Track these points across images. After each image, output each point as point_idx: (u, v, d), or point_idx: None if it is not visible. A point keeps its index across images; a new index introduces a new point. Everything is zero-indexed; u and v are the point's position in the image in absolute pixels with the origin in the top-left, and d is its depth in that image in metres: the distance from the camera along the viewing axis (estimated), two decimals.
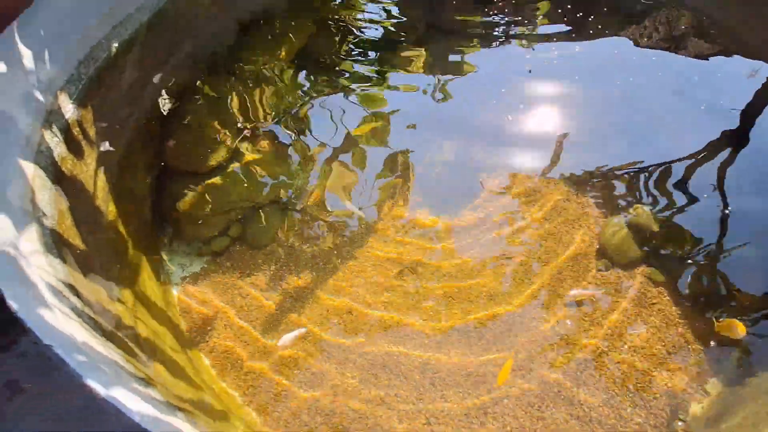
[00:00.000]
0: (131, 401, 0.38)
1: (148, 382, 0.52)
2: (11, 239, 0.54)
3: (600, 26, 1.40)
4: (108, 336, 0.57)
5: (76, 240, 0.72)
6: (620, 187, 1.11)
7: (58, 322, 0.47)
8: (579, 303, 0.97)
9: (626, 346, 0.92)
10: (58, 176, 0.77)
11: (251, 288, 1.02)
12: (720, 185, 1.07)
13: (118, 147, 0.95)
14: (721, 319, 0.91)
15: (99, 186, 0.86)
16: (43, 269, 0.56)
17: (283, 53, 1.24)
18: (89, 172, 0.84)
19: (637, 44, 1.36)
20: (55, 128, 0.81)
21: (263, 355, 0.96)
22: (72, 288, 0.60)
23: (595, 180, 1.14)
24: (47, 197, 0.69)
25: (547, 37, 1.41)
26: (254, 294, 1.02)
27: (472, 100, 1.31)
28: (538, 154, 1.21)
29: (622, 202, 1.08)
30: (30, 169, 0.69)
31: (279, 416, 0.90)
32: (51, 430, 0.94)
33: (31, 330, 0.38)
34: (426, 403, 0.90)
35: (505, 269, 1.04)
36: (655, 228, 0.98)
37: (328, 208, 1.08)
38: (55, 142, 0.79)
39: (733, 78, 1.27)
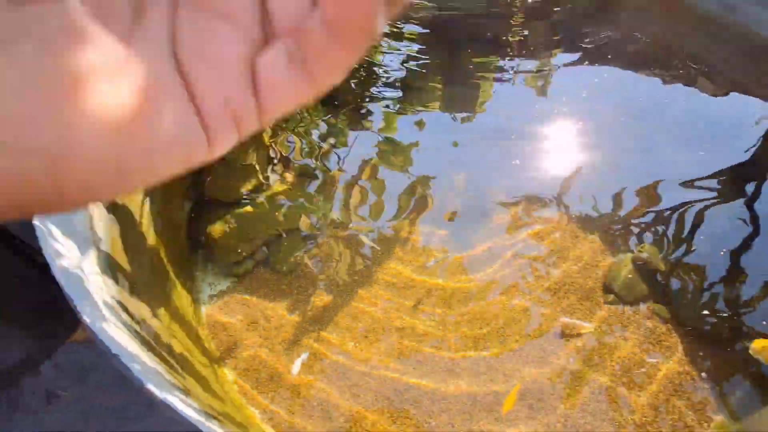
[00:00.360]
0: (180, 406, 0.46)
1: (187, 392, 0.59)
2: (78, 261, 0.64)
3: (611, 65, 1.47)
4: (150, 349, 0.65)
5: (124, 263, 0.82)
6: (628, 226, 1.16)
7: (117, 335, 0.55)
8: (577, 335, 1.00)
9: (632, 382, 0.95)
10: (112, 206, 0.88)
11: (273, 310, 1.10)
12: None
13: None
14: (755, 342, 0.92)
15: (144, 215, 0.96)
16: (100, 288, 0.65)
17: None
18: (137, 202, 0.95)
19: (647, 86, 1.42)
20: None
21: (282, 375, 1.02)
22: (122, 305, 0.69)
23: (604, 218, 1.19)
24: (103, 225, 0.79)
25: (559, 76, 1.49)
26: (276, 315, 1.09)
27: (486, 138, 1.39)
28: (549, 191, 1.27)
29: (630, 241, 1.12)
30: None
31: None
32: (87, 429, 1.02)
33: (101, 341, 0.46)
34: (435, 427, 0.95)
35: (516, 302, 1.09)
36: (662, 267, 1.02)
37: (350, 227, 1.16)
38: None
39: (746, 122, 1.31)
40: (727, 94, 1.31)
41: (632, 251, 1.08)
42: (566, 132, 1.38)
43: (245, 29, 0.12)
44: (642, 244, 1.06)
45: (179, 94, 0.12)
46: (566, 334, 1.01)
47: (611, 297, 1.04)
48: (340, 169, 1.29)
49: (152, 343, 0.67)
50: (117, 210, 0.87)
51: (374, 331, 1.07)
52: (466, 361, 1.02)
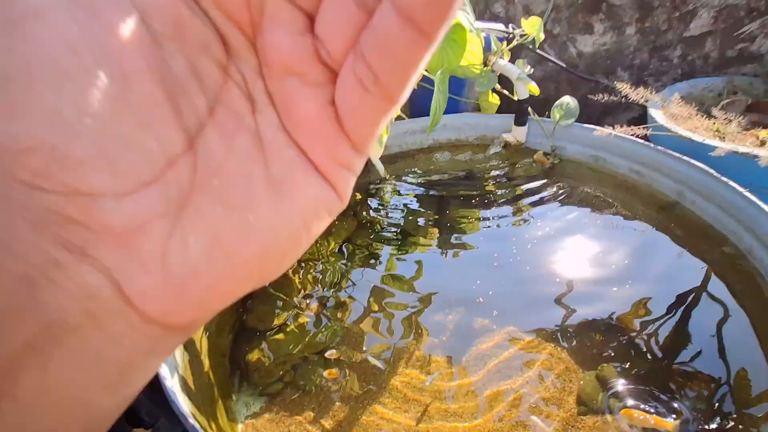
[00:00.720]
0: None
1: None
2: (168, 383, 0.92)
3: (572, 205, 1.84)
4: None
5: (191, 383, 1.09)
6: (593, 348, 1.38)
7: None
8: None
9: None
10: (185, 344, 1.19)
11: (298, 425, 1.30)
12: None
13: (214, 318, 1.37)
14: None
15: (203, 345, 1.25)
16: (181, 401, 0.92)
17: (333, 244, 1.73)
18: (198, 335, 1.25)
19: (625, 216, 1.76)
20: None
21: None
22: (194, 416, 0.95)
23: (576, 338, 1.42)
24: (180, 353, 1.08)
25: (533, 216, 1.85)
26: (300, 429, 1.29)
27: (472, 274, 1.69)
28: (531, 317, 1.52)
29: (598, 356, 1.33)
30: None
31: None
32: None
33: (193, 427, 0.72)
34: None
35: (501, 420, 1.27)
36: (615, 379, 1.23)
37: (362, 351, 1.41)
38: None
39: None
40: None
41: (594, 369, 1.29)
42: (545, 259, 1.69)
43: (312, 77, 0.13)
44: (602, 365, 1.28)
45: (305, 166, 0.13)
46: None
47: (583, 409, 1.23)
48: (350, 297, 1.59)
49: None
50: (187, 345, 1.16)
51: None
52: None
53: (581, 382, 1.32)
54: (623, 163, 1.68)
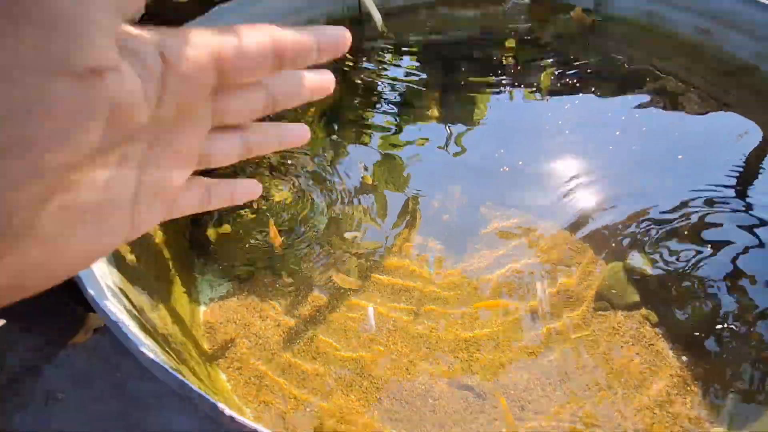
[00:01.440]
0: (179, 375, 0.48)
1: (181, 372, 0.62)
2: None
3: (600, 85, 1.53)
4: (150, 336, 0.68)
5: (129, 256, 0.85)
6: (620, 236, 1.18)
7: (119, 312, 0.58)
8: (567, 339, 1.01)
9: (621, 387, 0.95)
10: None
11: (271, 311, 1.12)
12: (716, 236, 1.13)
13: None
14: None
15: None
16: (104, 273, 0.69)
17: (313, 110, 1.42)
18: None
19: (636, 105, 1.47)
20: None
21: (276, 374, 1.03)
22: (123, 292, 0.72)
23: (598, 229, 1.21)
24: None
25: (552, 94, 1.55)
26: (273, 316, 1.12)
27: (482, 149, 1.43)
28: (544, 201, 1.30)
29: (622, 250, 1.14)
30: None
31: (293, 430, 0.97)
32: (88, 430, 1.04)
33: (102, 311, 0.49)
34: (428, 426, 0.95)
35: (509, 313, 1.10)
36: (650, 272, 1.04)
37: (347, 237, 1.20)
38: None
39: (729, 137, 1.35)
40: (707, 112, 1.36)
41: (624, 260, 1.10)
42: (560, 146, 1.43)
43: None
44: (633, 253, 1.08)
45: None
46: (553, 336, 1.02)
47: (604, 304, 1.06)
48: (335, 174, 1.34)
49: (151, 331, 0.70)
50: None
51: (374, 339, 1.09)
52: (458, 361, 1.03)
53: (604, 275, 1.15)
54: (686, 20, 1.33)
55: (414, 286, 1.18)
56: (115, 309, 0.59)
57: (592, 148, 1.43)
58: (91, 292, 0.52)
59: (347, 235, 1.22)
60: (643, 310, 1.05)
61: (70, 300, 1.12)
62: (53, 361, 1.19)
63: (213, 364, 1.03)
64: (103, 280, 0.65)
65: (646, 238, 1.18)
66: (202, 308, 1.12)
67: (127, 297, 0.71)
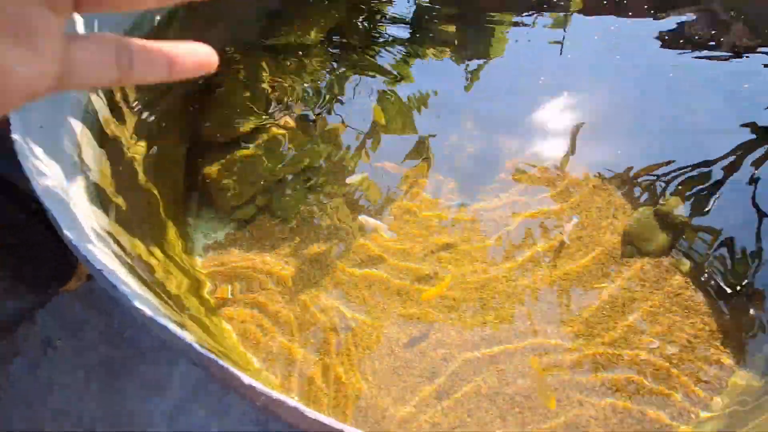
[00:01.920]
0: (174, 328, 0.41)
1: (183, 326, 0.55)
2: (62, 183, 0.58)
3: (625, 17, 1.38)
4: (144, 283, 0.60)
5: (117, 199, 0.76)
6: (649, 179, 1.10)
7: (104, 258, 0.50)
8: (599, 290, 0.96)
9: (646, 335, 0.92)
10: (102, 138, 0.81)
11: (274, 258, 1.05)
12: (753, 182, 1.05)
13: (156, 114, 0.99)
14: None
15: (138, 151, 0.90)
16: (88, 215, 0.60)
17: (313, 34, 1.26)
18: (128, 136, 0.89)
19: (668, 41, 1.33)
20: (100, 92, 0.85)
21: (282, 324, 0.98)
22: (112, 236, 0.64)
23: (625, 171, 1.13)
24: (92, 155, 0.73)
25: (575, 26, 1.40)
26: (276, 264, 1.05)
27: (500, 84, 1.31)
28: (564, 142, 1.20)
29: (652, 194, 1.07)
30: (78, 126, 0.73)
31: (296, 381, 0.93)
32: (80, 382, 0.99)
33: (85, 258, 0.41)
34: (438, 377, 0.92)
35: (527, 256, 1.04)
36: (685, 219, 0.97)
37: (347, 182, 1.11)
38: (99, 105, 0.84)
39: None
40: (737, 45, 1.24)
41: (653, 204, 1.02)
42: (582, 82, 1.31)
43: None
44: (666, 197, 1.00)
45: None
46: (573, 282, 0.97)
47: (630, 250, 1.00)
48: (343, 123, 1.22)
49: (146, 280, 0.63)
50: (107, 142, 0.81)
51: (379, 282, 1.03)
52: (469, 309, 0.98)
53: (632, 219, 1.08)
54: None
55: (426, 233, 1.10)
56: (102, 254, 0.51)
57: (617, 84, 1.31)
58: (69, 234, 0.43)
59: (350, 179, 1.13)
60: (673, 258, 1.02)
61: (63, 247, 1.04)
62: (47, 309, 1.12)
63: (216, 315, 0.97)
64: (87, 223, 0.56)
65: (677, 183, 1.10)
66: (199, 256, 1.05)
67: (117, 242, 0.62)
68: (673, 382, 0.88)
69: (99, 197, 0.68)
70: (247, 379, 0.37)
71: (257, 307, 1.01)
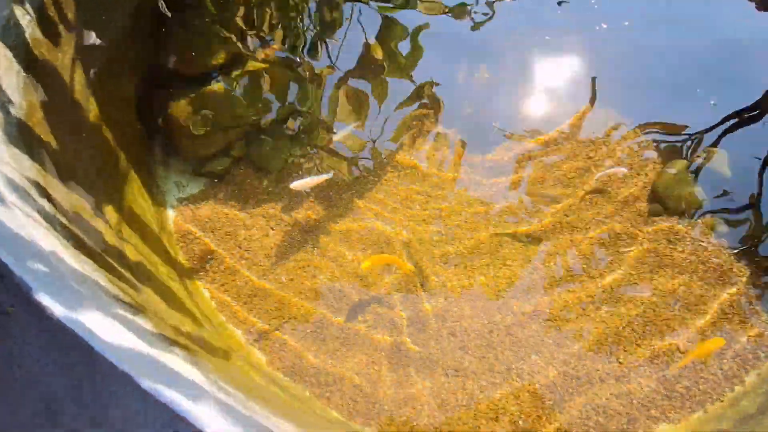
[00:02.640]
0: (109, 328, 0.28)
1: (136, 308, 0.41)
2: None
3: None
4: (86, 252, 0.45)
5: (49, 138, 0.59)
6: (686, 134, 0.97)
7: (16, 221, 0.35)
8: (628, 252, 0.86)
9: (678, 301, 0.82)
10: (29, 62, 0.64)
11: (256, 217, 0.91)
12: None
13: (104, 38, 0.80)
14: None
15: (77, 80, 0.72)
16: (3, 162, 0.44)
17: None
18: (65, 62, 0.70)
19: None
20: (27, 4, 0.66)
21: (267, 291, 0.86)
22: (42, 190, 0.48)
23: (656, 121, 0.99)
24: (15, 83, 0.56)
25: None
26: (259, 224, 0.91)
27: (510, 23, 1.13)
28: (584, 91, 1.06)
29: (685, 146, 0.94)
30: None
31: (284, 357, 0.82)
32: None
33: None
34: (440, 348, 0.82)
35: (548, 213, 0.92)
36: (728, 173, 0.86)
37: (334, 133, 0.95)
38: (27, 20, 0.65)
39: None
40: None
41: (688, 157, 0.91)
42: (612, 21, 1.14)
43: None
44: (708, 148, 0.89)
45: None
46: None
47: (658, 208, 0.89)
48: (330, 67, 1.03)
49: (89, 244, 0.48)
50: (36, 68, 0.63)
51: (375, 243, 0.91)
52: (478, 284, 0.87)
53: (663, 175, 0.95)
54: None
55: (425, 193, 0.97)
56: (14, 218, 0.36)
57: (648, 27, 1.14)
58: None
59: (336, 136, 0.96)
60: (707, 218, 0.88)
61: None
62: None
63: (192, 279, 0.84)
64: (4, 175, 0.41)
65: (717, 134, 0.96)
66: (171, 212, 0.89)
67: (47, 195, 0.47)
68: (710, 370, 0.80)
69: (24, 137, 0.52)
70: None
71: (240, 275, 0.87)
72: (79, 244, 0.46)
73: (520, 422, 0.76)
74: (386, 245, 0.91)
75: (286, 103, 0.97)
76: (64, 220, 0.47)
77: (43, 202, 0.47)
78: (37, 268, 0.31)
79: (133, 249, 0.67)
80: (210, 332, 0.76)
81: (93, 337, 0.28)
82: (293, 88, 0.97)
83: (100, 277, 0.43)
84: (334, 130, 0.97)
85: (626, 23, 1.10)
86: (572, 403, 0.77)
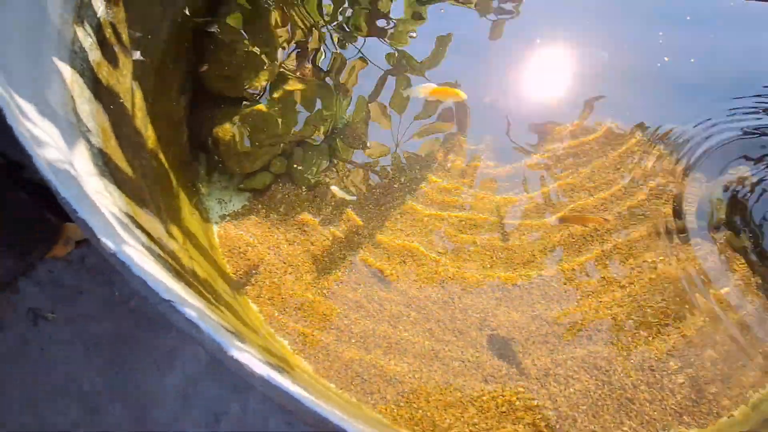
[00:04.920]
0: (248, 360, 0.30)
1: (238, 334, 0.44)
2: (65, 155, 0.44)
3: None
4: (185, 281, 0.48)
5: (123, 164, 0.61)
6: (714, 147, 1.01)
7: (144, 262, 0.38)
8: (651, 266, 0.91)
9: (699, 316, 0.88)
10: (95, 86, 0.65)
11: (297, 231, 0.93)
12: None
13: (153, 56, 0.81)
14: None
15: (137, 104, 0.73)
16: (103, 195, 0.46)
17: None
18: (126, 85, 0.72)
19: None
20: (87, 26, 0.67)
21: (312, 303, 0.89)
22: (133, 220, 0.51)
23: (683, 134, 1.02)
24: (88, 110, 0.57)
25: None
26: (301, 238, 0.93)
27: (535, 23, 1.16)
28: (613, 96, 1.09)
29: (711, 160, 0.98)
30: (67, 71, 0.56)
31: (330, 366, 0.86)
32: (80, 356, 0.88)
33: (138, 280, 0.29)
34: (479, 355, 0.86)
35: (572, 230, 0.96)
36: (751, 178, 0.90)
37: (368, 146, 0.98)
38: (89, 43, 0.66)
39: None
40: None
41: (718, 175, 0.96)
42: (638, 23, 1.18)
43: None
44: (738, 168, 0.93)
45: None
46: (628, 262, 0.92)
47: (681, 223, 0.94)
48: (362, 59, 1.05)
49: (177, 269, 0.51)
50: (102, 92, 0.64)
51: (412, 255, 0.94)
52: (518, 288, 0.91)
53: (683, 189, 1.00)
54: None
55: (459, 206, 1.00)
56: (132, 250, 0.38)
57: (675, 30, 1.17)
58: (109, 244, 0.30)
59: (370, 151, 0.99)
60: (727, 233, 0.93)
61: (41, 208, 0.88)
62: (32, 278, 0.98)
63: (241, 294, 0.86)
64: (107, 209, 0.43)
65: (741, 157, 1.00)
66: (216, 227, 0.91)
67: (139, 226, 0.49)
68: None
69: (108, 166, 0.54)
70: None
71: (285, 288, 0.90)
72: (178, 274, 0.49)
73: (557, 425, 0.80)
74: (424, 257, 0.94)
75: (317, 117, 0.99)
76: (158, 250, 0.50)
77: (140, 233, 0.49)
78: (188, 312, 0.33)
79: (199, 267, 0.69)
80: (263, 342, 0.78)
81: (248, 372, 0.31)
82: (323, 98, 1.00)
83: (202, 305, 0.45)
84: (367, 144, 1.00)
85: (660, 33, 1.14)
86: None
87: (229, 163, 0.90)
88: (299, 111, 0.97)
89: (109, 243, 0.30)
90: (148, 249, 0.46)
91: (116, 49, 0.73)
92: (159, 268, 0.43)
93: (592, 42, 1.15)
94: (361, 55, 1.07)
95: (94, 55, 0.67)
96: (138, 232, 0.49)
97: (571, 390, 0.84)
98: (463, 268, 0.94)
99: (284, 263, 0.91)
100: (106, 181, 0.51)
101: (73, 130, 0.52)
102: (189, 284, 0.49)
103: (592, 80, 1.12)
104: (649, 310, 0.88)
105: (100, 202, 0.44)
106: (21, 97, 0.42)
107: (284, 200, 0.95)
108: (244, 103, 0.93)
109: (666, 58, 1.12)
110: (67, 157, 0.44)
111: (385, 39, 1.09)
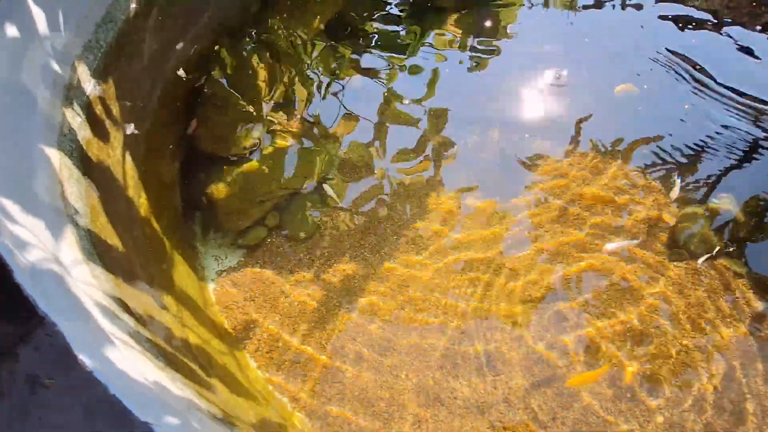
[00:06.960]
0: None
1: (227, 420, 0.43)
2: (50, 249, 0.44)
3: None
4: (169, 359, 0.47)
5: (113, 239, 0.62)
6: (697, 175, 1.01)
7: (126, 361, 0.37)
8: (652, 297, 0.89)
9: (706, 341, 0.85)
10: (86, 165, 0.67)
11: (293, 285, 0.93)
12: None
13: (143, 127, 0.83)
14: None
15: (128, 174, 0.75)
16: (87, 283, 0.46)
17: (317, 23, 1.11)
18: (116, 157, 0.73)
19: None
20: (76, 106, 0.69)
21: (310, 357, 0.88)
22: (121, 303, 0.51)
23: (665, 164, 1.04)
24: (77, 191, 0.58)
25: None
26: (297, 292, 0.93)
27: (508, 69, 1.19)
28: (597, 128, 1.10)
29: (702, 192, 0.98)
30: (56, 157, 0.58)
31: (333, 421, 0.84)
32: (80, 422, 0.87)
33: (115, 396, 0.29)
34: (483, 395, 0.84)
35: (567, 266, 0.95)
36: (741, 218, 0.90)
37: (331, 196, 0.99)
38: (78, 122, 0.68)
39: None
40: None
41: (704, 203, 0.95)
42: (601, 62, 1.20)
43: None
44: (720, 195, 0.93)
45: None
46: (635, 290, 0.90)
47: (677, 251, 0.93)
48: (352, 114, 1.08)
49: (167, 349, 0.50)
50: (92, 169, 0.65)
51: (413, 301, 0.93)
52: (526, 327, 0.90)
53: (680, 218, 1.00)
54: None
55: (456, 248, 1.00)
56: (122, 355, 0.38)
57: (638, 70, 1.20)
58: (87, 362, 0.31)
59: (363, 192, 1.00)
60: (724, 259, 0.93)
61: None
62: (30, 343, 0.98)
63: (239, 350, 0.85)
64: (93, 299, 0.43)
65: (730, 180, 1.00)
66: (212, 285, 0.91)
67: (127, 309, 0.50)
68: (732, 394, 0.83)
69: (95, 247, 0.54)
70: None
71: (283, 342, 0.89)
72: (169, 360, 0.48)
73: None
74: (421, 302, 0.94)
75: (308, 169, 1.00)
76: (147, 334, 0.50)
77: (127, 318, 0.49)
78: (171, 421, 0.33)
79: (192, 333, 0.69)
80: (263, 406, 0.77)
81: None
82: (312, 149, 1.01)
83: (192, 394, 0.45)
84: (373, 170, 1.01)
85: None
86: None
87: (221, 220, 0.91)
88: (289, 164, 0.99)
89: (86, 360, 0.30)
90: (135, 335, 0.46)
91: (107, 123, 0.75)
92: (144, 360, 0.42)
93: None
94: (348, 111, 1.09)
95: (84, 133, 0.69)
96: (125, 317, 0.49)
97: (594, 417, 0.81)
98: (467, 311, 0.92)
99: (281, 315, 0.90)
100: (93, 264, 0.52)
101: (60, 216, 0.52)
102: (178, 367, 0.49)
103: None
104: None
105: (86, 293, 0.44)
106: (3, 197, 0.43)
107: (279, 253, 0.95)
108: (236, 161, 0.94)
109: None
110: (52, 251, 0.45)
111: (377, 78, 1.12)
